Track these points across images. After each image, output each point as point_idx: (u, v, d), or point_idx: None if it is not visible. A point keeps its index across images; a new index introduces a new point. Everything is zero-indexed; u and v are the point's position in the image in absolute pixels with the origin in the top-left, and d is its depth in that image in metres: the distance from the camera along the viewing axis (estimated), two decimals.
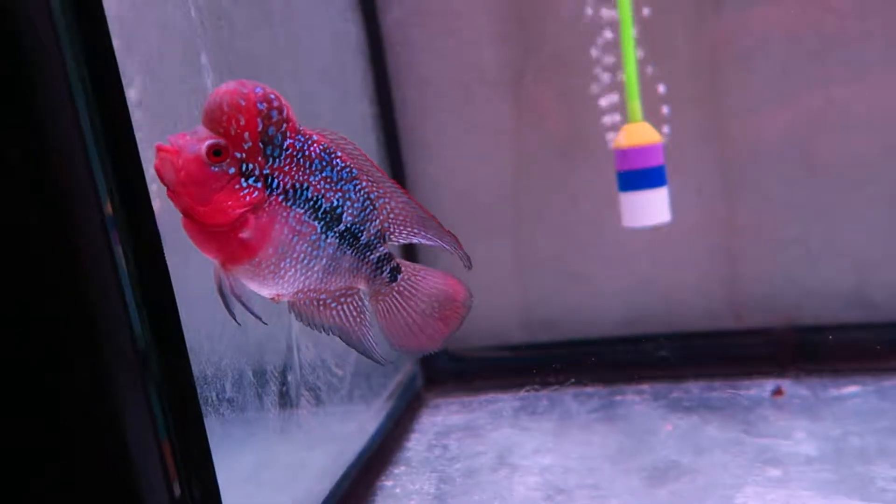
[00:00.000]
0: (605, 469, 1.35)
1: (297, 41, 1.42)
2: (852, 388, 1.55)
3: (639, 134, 1.57)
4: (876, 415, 1.42)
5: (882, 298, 1.68)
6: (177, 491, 0.87)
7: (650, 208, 1.58)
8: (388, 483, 1.39)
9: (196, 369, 0.92)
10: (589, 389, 1.74)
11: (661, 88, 1.66)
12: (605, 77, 1.68)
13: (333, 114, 1.59)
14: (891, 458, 1.25)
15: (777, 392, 1.56)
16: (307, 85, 1.45)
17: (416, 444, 1.56)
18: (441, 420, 1.68)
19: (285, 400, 1.13)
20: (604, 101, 1.68)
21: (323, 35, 1.56)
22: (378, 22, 1.78)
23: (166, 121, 0.95)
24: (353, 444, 1.37)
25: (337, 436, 1.33)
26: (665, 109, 1.68)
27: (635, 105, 1.58)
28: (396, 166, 1.82)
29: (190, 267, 0.95)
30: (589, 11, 1.67)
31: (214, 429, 0.94)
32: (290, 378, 1.13)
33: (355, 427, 1.41)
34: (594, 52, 1.68)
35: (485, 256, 1.91)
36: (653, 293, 1.83)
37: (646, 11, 1.63)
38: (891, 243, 1.66)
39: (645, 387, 1.70)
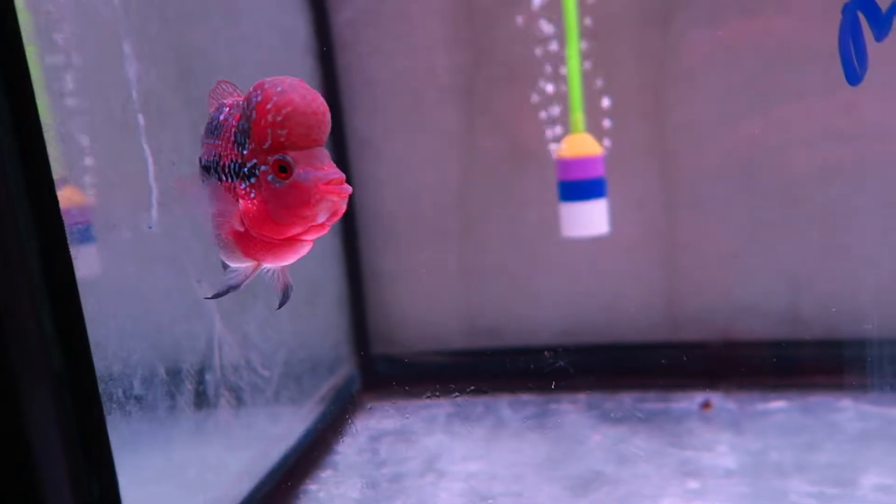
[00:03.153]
0: (530, 477, 1.35)
1: (238, 35, 1.41)
2: (779, 404, 1.58)
3: (580, 145, 1.59)
4: (797, 430, 1.44)
5: (814, 316, 1.72)
6: (75, 488, 0.85)
7: (589, 219, 1.60)
8: (313, 487, 1.37)
9: (101, 365, 0.90)
10: (525, 397, 1.75)
11: (606, 102, 1.67)
12: (552, 88, 1.69)
13: None
14: (806, 473, 1.27)
15: (705, 405, 1.58)
16: (247, 80, 1.43)
17: (347, 448, 1.54)
18: (375, 424, 1.67)
19: (202, 400, 1.11)
20: (548, 113, 1.69)
21: (268, 31, 1.54)
22: (328, 21, 1.77)
23: (80, 109, 0.93)
24: (277, 447, 1.35)
25: (260, 437, 1.31)
26: (608, 123, 1.69)
27: (578, 117, 1.60)
28: (342, 167, 1.81)
29: (104, 261, 0.93)
30: (541, 22, 1.69)
31: (120, 427, 0.92)
32: (208, 378, 1.11)
33: (281, 429, 1.39)
34: (542, 63, 1.70)
35: (430, 261, 1.91)
36: (593, 304, 1.85)
37: (593, 25, 1.65)
38: (824, 262, 1.70)
39: (580, 396, 1.72)
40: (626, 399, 1.68)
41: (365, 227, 1.86)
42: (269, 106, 0.62)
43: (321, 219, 0.63)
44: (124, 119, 1.00)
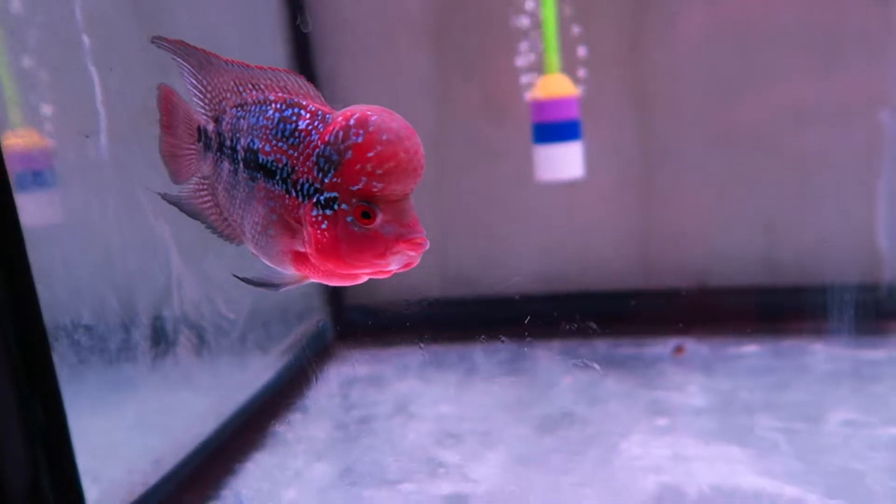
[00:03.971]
0: (499, 417, 1.35)
1: None
2: (751, 348, 1.58)
3: (554, 86, 1.55)
4: (768, 372, 1.44)
5: (788, 263, 1.71)
6: (20, 411, 0.83)
7: (563, 162, 1.57)
8: (282, 429, 1.36)
9: (46, 293, 0.87)
10: (499, 345, 1.73)
11: (582, 51, 1.64)
12: (528, 33, 1.65)
13: (241, 52, 1.52)
14: (775, 410, 1.27)
15: (678, 350, 1.58)
16: (209, 17, 1.38)
17: (318, 393, 1.53)
18: (347, 371, 1.65)
19: (160, 336, 1.08)
20: (525, 59, 1.65)
21: None
22: None
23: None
24: (244, 390, 1.33)
25: (224, 380, 1.29)
26: (584, 72, 1.66)
27: (552, 58, 1.56)
28: None
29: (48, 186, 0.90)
30: None
31: (68, 355, 0.90)
32: (166, 314, 1.08)
33: (248, 373, 1.37)
34: (518, 6, 1.65)
35: None
36: (568, 252, 1.83)
37: None
38: (799, 209, 1.68)
39: (554, 343, 1.70)
40: (601, 345, 1.68)
41: None
42: (370, 154, 0.58)
43: (391, 268, 0.61)
44: (68, 38, 0.95)
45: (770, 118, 1.65)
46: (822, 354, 1.51)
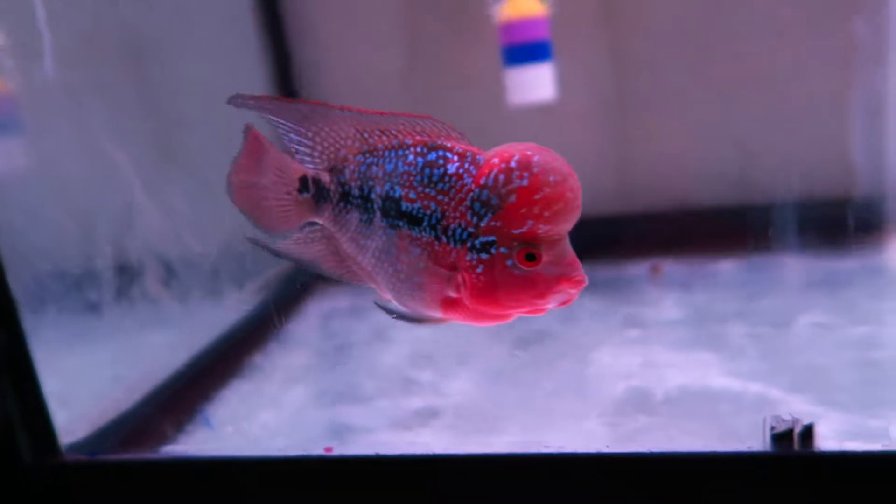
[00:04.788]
0: (475, 338, 1.35)
1: None
2: (727, 265, 1.58)
3: (522, 5, 1.52)
4: (742, 285, 1.45)
5: (763, 181, 1.70)
6: None
7: (534, 84, 1.55)
8: (258, 358, 1.37)
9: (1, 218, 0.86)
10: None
11: None
12: None
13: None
14: (746, 318, 1.28)
15: (655, 269, 1.58)
16: None
17: (297, 325, 1.54)
18: (327, 305, 1.66)
19: (124, 266, 1.08)
20: None
21: None
22: None
23: None
24: (218, 323, 1.33)
25: (197, 312, 1.30)
26: None
27: None
28: (280, 52, 1.73)
29: None
30: None
31: (24, 278, 0.89)
32: (129, 244, 1.08)
33: (222, 306, 1.37)
34: None
35: None
36: None
37: None
38: (773, 126, 1.66)
39: None
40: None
41: None
42: (537, 196, 0.57)
43: (549, 306, 0.60)
44: None
45: (743, 32, 1.62)
46: (796, 267, 1.51)
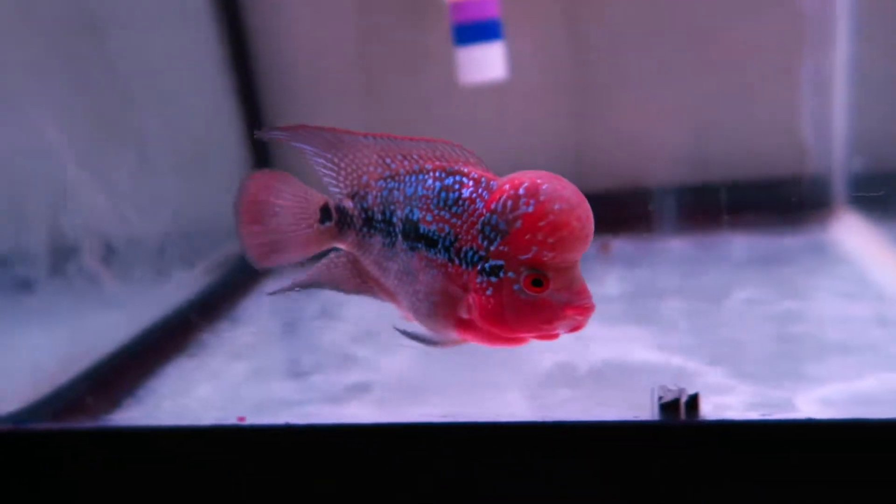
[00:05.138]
0: None
1: None
2: (677, 243, 1.59)
3: None
4: (687, 262, 1.47)
5: (715, 160, 1.71)
6: None
7: (485, 62, 1.55)
8: (206, 337, 1.38)
9: None
10: None
11: None
12: None
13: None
14: (683, 293, 1.30)
15: (604, 247, 1.60)
16: None
17: (249, 303, 1.55)
18: (282, 284, 1.67)
19: (59, 243, 1.09)
20: None
21: None
22: None
23: None
24: (164, 301, 1.35)
25: (140, 291, 1.31)
26: None
27: None
28: (232, 23, 1.73)
29: None
30: None
31: None
32: (63, 221, 1.09)
33: (169, 284, 1.38)
34: None
35: (335, 122, 1.86)
36: (501, 157, 1.82)
37: None
38: (727, 105, 1.67)
39: None
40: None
41: (267, 88, 1.79)
42: (541, 223, 0.58)
43: (558, 332, 0.61)
44: None
45: (698, 12, 1.62)
46: (743, 244, 1.53)
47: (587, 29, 1.68)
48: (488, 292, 0.61)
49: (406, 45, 1.74)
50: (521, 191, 0.59)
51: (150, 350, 1.27)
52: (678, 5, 1.63)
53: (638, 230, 1.68)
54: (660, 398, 0.71)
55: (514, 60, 1.60)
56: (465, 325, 0.65)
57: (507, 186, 0.61)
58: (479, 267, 0.62)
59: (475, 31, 1.53)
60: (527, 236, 0.59)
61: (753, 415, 0.86)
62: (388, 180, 0.68)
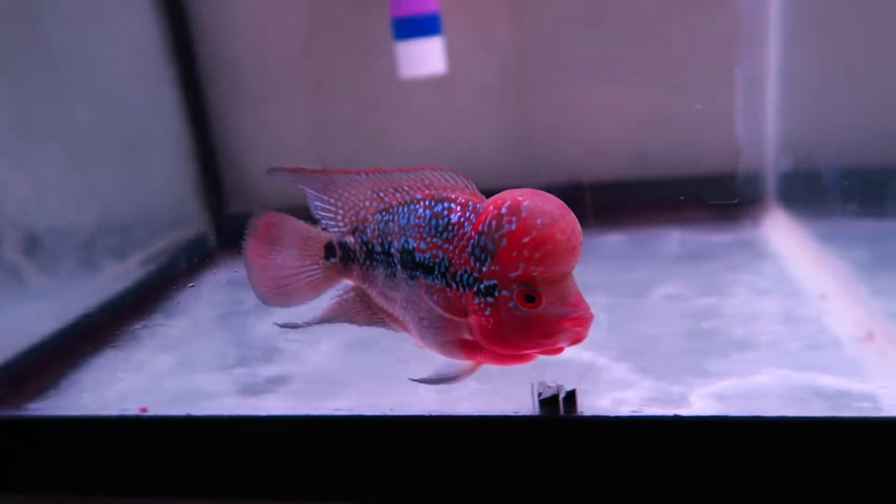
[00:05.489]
0: None
1: None
2: (614, 237, 1.62)
3: None
4: (619, 257, 1.49)
5: (655, 155, 1.74)
6: None
7: (425, 57, 1.56)
8: (138, 327, 1.38)
9: None
10: None
11: None
12: None
13: None
14: (609, 289, 1.31)
15: None
16: None
17: (186, 296, 1.54)
18: (222, 276, 1.67)
19: None
20: None
21: None
22: None
23: None
24: (94, 294, 1.34)
25: (68, 284, 1.30)
26: None
27: None
28: (179, 10, 1.72)
29: None
30: None
31: None
32: None
33: (100, 278, 1.38)
34: None
35: (281, 115, 1.86)
36: (452, 152, 1.84)
37: None
38: (666, 102, 1.70)
39: None
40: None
41: (211, 78, 1.79)
42: (525, 239, 0.59)
43: (560, 345, 0.62)
44: None
45: (640, 10, 1.65)
46: (676, 240, 1.56)
47: (531, 24, 1.70)
48: (486, 312, 0.63)
49: (353, 38, 1.74)
50: (503, 210, 0.61)
51: (77, 342, 1.27)
52: (620, 2, 1.65)
53: (580, 224, 1.70)
54: (539, 394, 0.74)
55: (459, 55, 1.61)
56: (470, 347, 0.67)
57: (490, 207, 0.62)
58: (474, 289, 0.63)
59: (414, 26, 1.54)
60: (513, 253, 0.60)
61: (649, 410, 0.89)
62: (384, 213, 0.70)
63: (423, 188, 0.68)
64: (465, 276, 0.64)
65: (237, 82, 1.80)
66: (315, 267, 0.74)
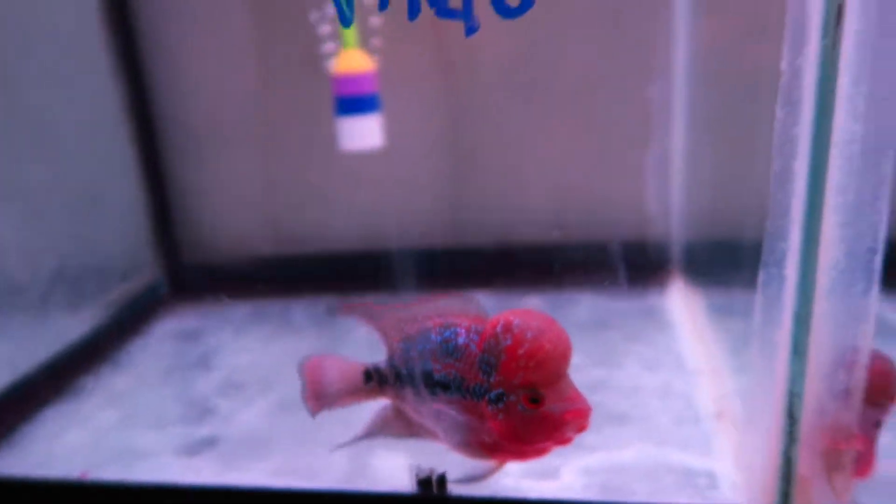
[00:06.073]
0: (286, 367, 1.49)
1: None
2: (533, 300, 1.77)
3: (351, 61, 1.67)
4: None
5: (574, 221, 1.90)
6: None
7: (363, 133, 1.70)
8: (87, 380, 1.49)
9: None
10: (321, 298, 1.89)
11: (378, 21, 1.74)
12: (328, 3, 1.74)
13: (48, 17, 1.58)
14: None
15: None
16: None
17: (134, 347, 1.66)
18: (172, 326, 1.79)
19: None
20: (326, 28, 1.75)
21: None
22: None
23: None
24: (46, 346, 1.45)
25: (19, 337, 1.41)
26: (380, 41, 1.77)
27: (349, 33, 1.67)
28: (136, 74, 1.84)
29: None
30: None
31: None
32: None
33: (52, 330, 1.48)
34: None
35: (233, 169, 1.99)
36: (387, 212, 1.98)
37: None
38: (586, 172, 1.87)
39: (369, 298, 1.86)
40: (406, 299, 1.84)
41: (166, 136, 1.91)
42: (520, 351, 0.72)
43: (568, 436, 0.74)
44: None
45: (563, 85, 1.81)
46: (587, 306, 1.71)
47: (464, 97, 1.85)
48: (500, 417, 0.75)
49: (301, 103, 1.88)
50: (498, 329, 0.75)
51: (28, 395, 1.38)
52: (543, 78, 1.81)
53: (504, 286, 1.86)
54: (416, 475, 0.88)
55: (397, 125, 1.76)
56: (492, 448, 0.79)
57: (489, 328, 0.76)
58: (486, 398, 0.76)
59: (354, 104, 1.68)
60: (513, 364, 0.73)
61: (524, 482, 1.04)
62: (405, 341, 0.85)
63: (435, 316, 0.83)
64: (477, 388, 0.77)
65: (192, 140, 1.92)
66: (356, 390, 0.91)
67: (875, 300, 0.67)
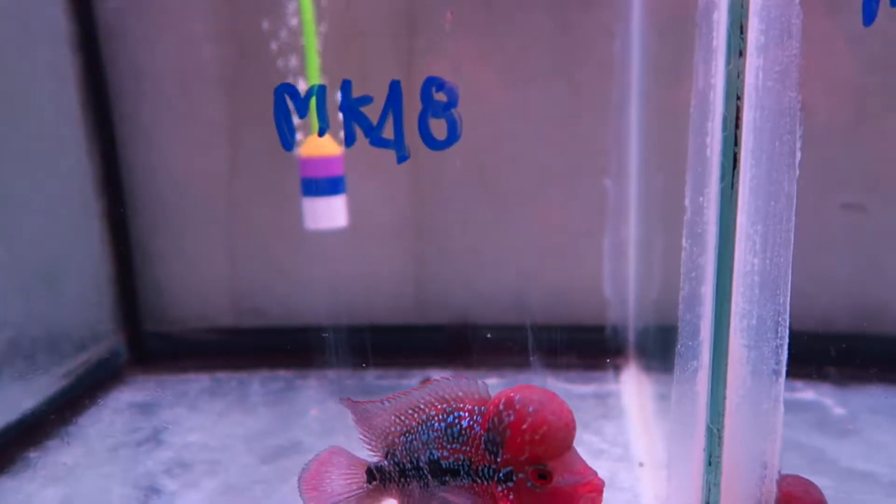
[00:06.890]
0: (236, 447, 1.50)
1: None
2: (492, 381, 1.78)
3: (319, 145, 1.73)
4: None
5: (534, 303, 1.94)
6: None
7: (328, 213, 1.75)
8: (34, 454, 1.47)
9: None
10: (280, 373, 1.90)
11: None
12: (302, 84, 1.81)
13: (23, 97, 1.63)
14: None
15: (425, 382, 1.78)
16: None
17: (86, 419, 1.65)
18: (127, 398, 1.78)
19: None
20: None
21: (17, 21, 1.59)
22: (93, 11, 1.82)
23: None
24: (3, 415, 1.44)
25: None
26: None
27: (316, 120, 1.73)
28: (111, 154, 1.88)
29: None
30: (294, 22, 1.80)
31: None
32: None
33: (8, 398, 1.48)
34: (294, 62, 1.82)
35: (199, 245, 2.02)
36: (352, 289, 2.01)
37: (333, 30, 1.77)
38: (546, 256, 1.92)
39: (330, 373, 1.87)
40: (369, 376, 1.86)
41: (136, 211, 1.94)
42: (524, 426, 0.72)
43: None
44: None
45: (524, 176, 1.88)
46: (550, 388, 1.73)
47: (428, 183, 1.92)
48: (511, 497, 0.74)
49: (268, 183, 1.93)
50: (501, 406, 0.75)
51: None
52: (506, 170, 1.88)
53: (464, 365, 1.88)
54: None
55: (362, 205, 1.80)
56: None
57: (491, 407, 0.76)
58: (495, 478, 0.75)
59: (321, 186, 1.73)
60: (518, 440, 0.73)
61: None
62: (407, 434, 0.83)
63: (435, 402, 0.82)
64: (486, 470, 0.76)
65: (162, 216, 1.96)
66: (360, 491, 0.88)
67: (780, 419, 0.70)
